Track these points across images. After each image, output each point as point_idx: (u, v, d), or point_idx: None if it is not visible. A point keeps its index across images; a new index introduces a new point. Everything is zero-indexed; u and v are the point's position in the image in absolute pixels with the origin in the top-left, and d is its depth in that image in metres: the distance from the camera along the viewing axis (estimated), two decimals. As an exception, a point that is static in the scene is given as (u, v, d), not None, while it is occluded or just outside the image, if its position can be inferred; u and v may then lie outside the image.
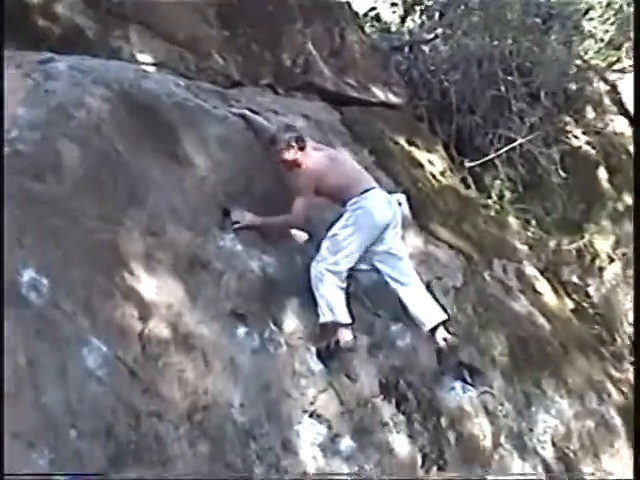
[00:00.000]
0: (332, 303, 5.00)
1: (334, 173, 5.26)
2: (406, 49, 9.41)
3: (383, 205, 5.22)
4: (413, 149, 7.55)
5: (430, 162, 7.60)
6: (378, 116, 7.57)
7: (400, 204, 5.39)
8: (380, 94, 7.97)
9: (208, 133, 5.32)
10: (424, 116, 8.54)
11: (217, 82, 6.47)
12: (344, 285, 5.09)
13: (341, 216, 5.18)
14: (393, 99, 8.12)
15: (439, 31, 9.45)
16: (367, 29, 9.38)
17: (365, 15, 9.69)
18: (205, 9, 6.73)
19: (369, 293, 5.49)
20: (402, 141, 7.48)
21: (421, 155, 7.57)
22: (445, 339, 5.19)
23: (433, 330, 5.20)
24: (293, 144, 5.22)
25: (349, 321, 5.06)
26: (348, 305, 5.09)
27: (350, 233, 5.08)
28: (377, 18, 9.86)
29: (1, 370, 3.43)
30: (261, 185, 5.41)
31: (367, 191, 5.22)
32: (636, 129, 7.28)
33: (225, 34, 6.81)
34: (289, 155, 5.22)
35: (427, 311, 5.22)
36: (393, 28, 9.95)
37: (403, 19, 9.95)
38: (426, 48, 9.51)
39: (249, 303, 4.83)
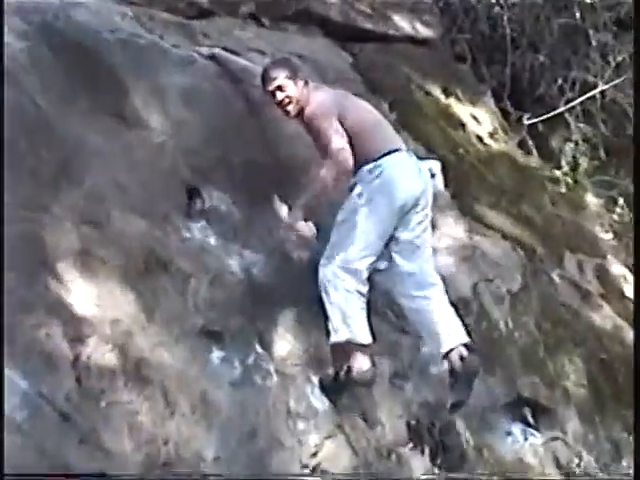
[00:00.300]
0: (347, 315, 4.99)
1: (346, 119, 5.20)
2: (441, -41, 9.41)
3: (412, 175, 5.19)
4: (451, 101, 7.57)
5: (475, 119, 7.61)
6: (402, 56, 7.58)
7: (433, 175, 5.36)
8: (405, 25, 7.98)
9: (166, 83, 5.34)
10: (467, 55, 8.57)
11: (178, 10, 6.46)
12: (365, 290, 5.09)
13: (351, 190, 5.17)
14: (423, 32, 8.13)
15: None
16: None
17: None
18: None
19: (392, 302, 5.50)
20: (436, 91, 7.49)
21: (463, 110, 7.58)
22: (462, 357, 5.10)
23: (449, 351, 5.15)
24: (299, 74, 5.27)
25: (369, 340, 5.06)
26: (368, 319, 5.10)
27: (365, 216, 5.06)
28: None
29: (1, 371, 3.62)
30: (241, 154, 5.43)
31: (389, 154, 5.19)
32: (636, 127, 7.35)
33: (188, -59, 6.82)
34: (296, 90, 5.23)
35: (448, 327, 5.16)
36: None
37: None
38: (469, -43, 9.51)
39: (227, 317, 4.85)
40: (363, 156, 5.13)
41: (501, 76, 8.57)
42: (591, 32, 8.87)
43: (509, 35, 8.69)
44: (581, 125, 8.59)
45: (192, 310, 4.72)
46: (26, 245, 4.23)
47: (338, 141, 5.03)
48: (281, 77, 5.23)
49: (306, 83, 5.28)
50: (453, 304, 5.35)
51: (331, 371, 5.03)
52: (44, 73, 4.82)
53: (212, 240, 5.06)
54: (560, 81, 8.69)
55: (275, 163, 5.42)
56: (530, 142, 8.23)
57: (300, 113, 5.22)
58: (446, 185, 5.74)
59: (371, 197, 5.06)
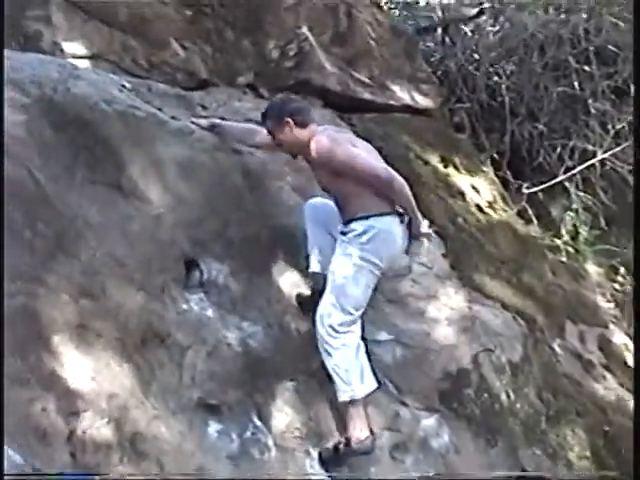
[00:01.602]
0: (351, 372, 5.02)
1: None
2: (439, 31, 9.50)
3: (399, 242, 5.26)
4: (450, 171, 7.59)
5: (474, 189, 7.63)
6: (401, 126, 7.62)
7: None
8: (404, 95, 8.04)
9: (165, 155, 5.38)
10: (465, 124, 8.62)
11: (177, 82, 6.54)
12: (360, 333, 5.16)
13: (342, 240, 5.20)
14: (422, 101, 8.18)
15: (485, 5, 9.53)
16: (385, 4, 9.46)
17: (382, -15, 9.80)
18: (159, -20, 6.79)
19: (391, 372, 5.50)
20: (434, 160, 7.52)
21: (462, 179, 7.61)
22: None
23: None
24: (287, 119, 5.26)
25: (375, 385, 5.12)
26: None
27: (357, 275, 5.09)
28: (399, -11, 10.01)
29: (1, 370, 3.76)
30: (239, 225, 5.45)
31: (382, 215, 5.19)
32: (636, 134, 7.39)
33: (187, 14, 6.88)
34: (285, 135, 5.27)
35: None
36: (421, 2, 10.04)
37: (435, -11, 10.07)
38: (467, 29, 9.59)
39: (224, 390, 4.83)
40: (359, 207, 5.18)
41: (500, 145, 8.63)
42: (590, 101, 8.93)
43: (508, 104, 8.76)
44: (581, 194, 8.62)
45: (189, 383, 4.70)
46: (21, 318, 4.22)
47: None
48: (268, 127, 5.34)
49: (302, 125, 5.28)
50: (453, 375, 5.39)
51: (330, 444, 5.00)
52: (42, 146, 4.85)
53: (210, 312, 5.06)
54: (559, 150, 8.74)
55: (273, 234, 5.43)
56: (530, 211, 8.26)
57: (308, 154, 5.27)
58: (445, 255, 5.75)
59: (363, 260, 5.09)
